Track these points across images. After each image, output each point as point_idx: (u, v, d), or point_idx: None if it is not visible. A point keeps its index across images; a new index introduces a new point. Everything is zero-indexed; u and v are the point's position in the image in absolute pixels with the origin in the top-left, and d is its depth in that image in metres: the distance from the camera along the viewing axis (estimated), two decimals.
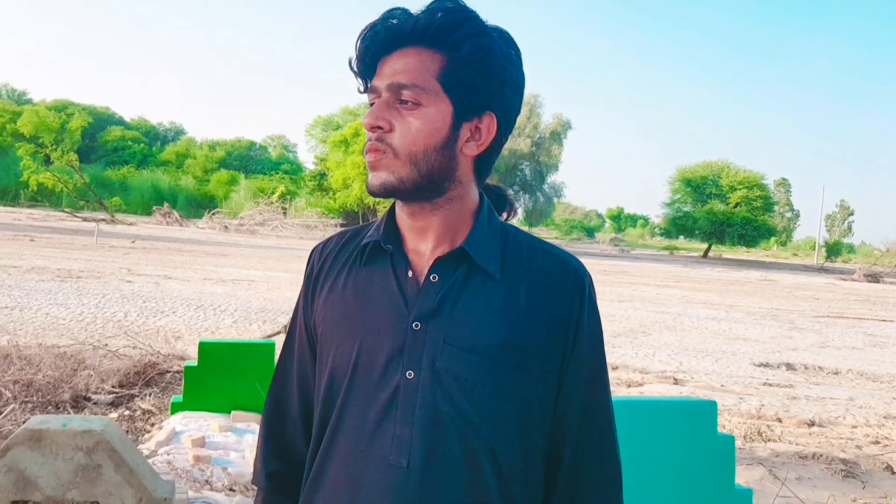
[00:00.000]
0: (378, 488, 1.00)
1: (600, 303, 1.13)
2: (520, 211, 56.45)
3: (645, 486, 3.40)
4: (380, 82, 1.02)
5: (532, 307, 1.03)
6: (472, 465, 1.00)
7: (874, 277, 33.78)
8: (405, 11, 1.02)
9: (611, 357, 8.62)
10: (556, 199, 56.37)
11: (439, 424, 1.00)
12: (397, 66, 1.01)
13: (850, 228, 78.03)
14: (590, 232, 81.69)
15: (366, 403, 1.03)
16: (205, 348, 4.71)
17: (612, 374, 7.75)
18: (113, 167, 53.85)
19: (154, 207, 37.86)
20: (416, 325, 1.02)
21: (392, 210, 1.11)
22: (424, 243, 1.07)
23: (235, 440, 4.30)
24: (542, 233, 65.59)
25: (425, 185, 1.02)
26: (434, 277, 1.03)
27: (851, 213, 79.00)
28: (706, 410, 3.68)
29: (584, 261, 1.15)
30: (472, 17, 1.01)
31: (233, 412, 4.63)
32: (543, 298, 1.04)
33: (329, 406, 1.07)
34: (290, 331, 1.20)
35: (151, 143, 63.76)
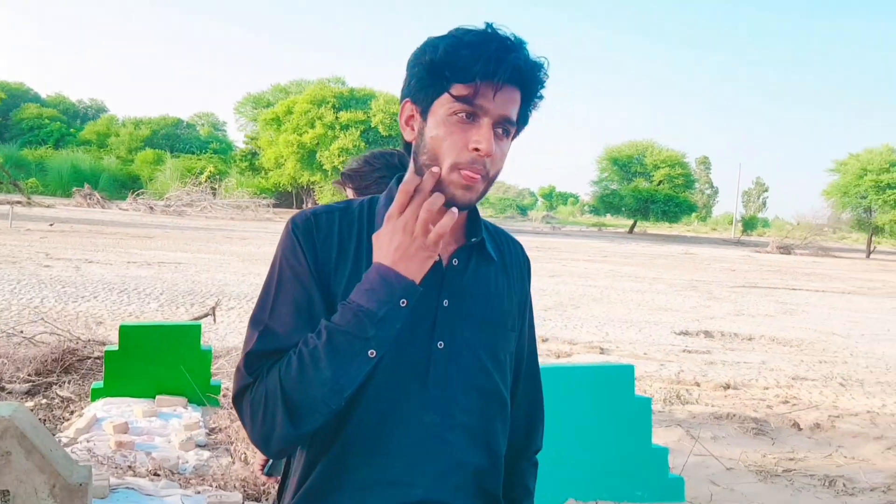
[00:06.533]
0: (413, 446, 1.15)
1: (533, 279, 1.40)
2: None
3: (566, 447, 3.52)
4: (491, 107, 1.10)
5: (512, 281, 1.31)
6: (490, 410, 1.23)
7: (786, 249, 35.85)
8: (514, 47, 1.10)
9: (541, 330, 8.79)
10: None
11: (470, 383, 1.20)
12: (508, 102, 1.11)
13: (764, 204, 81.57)
14: (523, 210, 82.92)
15: (395, 372, 1.15)
16: (126, 332, 4.60)
17: (542, 346, 7.93)
18: (29, 147, 51.28)
19: (74, 189, 36.24)
20: (446, 303, 1.18)
21: None
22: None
23: (160, 425, 4.23)
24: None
25: None
26: (455, 262, 1.21)
27: (766, 190, 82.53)
28: (624, 374, 3.83)
29: (518, 238, 1.39)
30: (541, 64, 1.14)
31: (157, 397, 4.54)
32: (517, 274, 1.32)
33: None
34: (291, 307, 1.14)
35: (70, 121, 60.82)
